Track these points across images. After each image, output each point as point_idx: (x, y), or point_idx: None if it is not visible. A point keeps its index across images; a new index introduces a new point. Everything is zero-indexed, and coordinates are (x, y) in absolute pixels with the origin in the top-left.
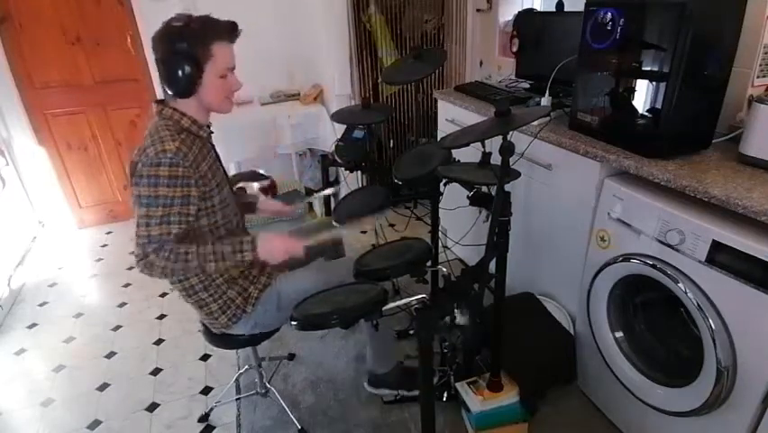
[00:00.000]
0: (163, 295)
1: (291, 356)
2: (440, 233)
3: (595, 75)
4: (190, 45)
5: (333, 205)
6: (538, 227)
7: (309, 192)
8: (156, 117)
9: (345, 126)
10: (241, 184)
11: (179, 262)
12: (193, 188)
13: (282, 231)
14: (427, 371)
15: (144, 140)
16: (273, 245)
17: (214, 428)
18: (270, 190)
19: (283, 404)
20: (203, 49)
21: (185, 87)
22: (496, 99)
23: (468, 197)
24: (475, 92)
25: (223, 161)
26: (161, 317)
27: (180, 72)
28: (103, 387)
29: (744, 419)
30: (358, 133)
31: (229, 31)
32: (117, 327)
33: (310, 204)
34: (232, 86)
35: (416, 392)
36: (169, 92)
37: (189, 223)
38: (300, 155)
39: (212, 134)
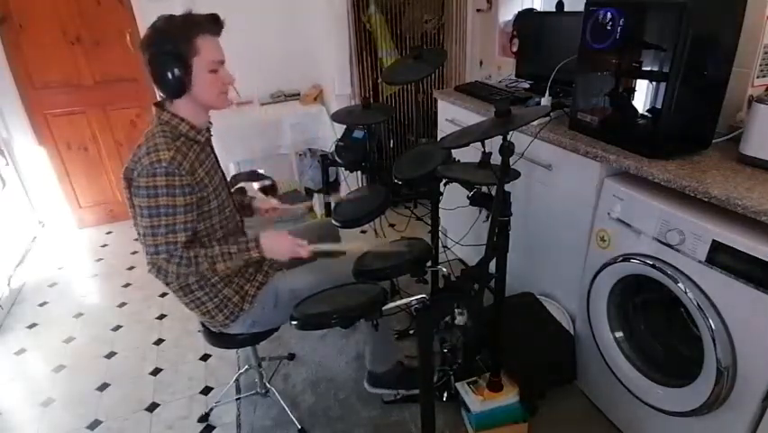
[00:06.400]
0: (163, 295)
1: (291, 356)
2: (440, 233)
3: (595, 75)
4: (174, 43)
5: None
6: (538, 227)
7: (309, 192)
8: (155, 121)
9: (345, 126)
10: (241, 184)
11: (192, 267)
12: (193, 195)
13: (281, 230)
14: (427, 371)
15: (140, 146)
16: (278, 243)
17: (214, 428)
18: (270, 191)
19: (283, 404)
20: (187, 44)
21: (175, 86)
22: (496, 99)
23: (468, 197)
24: (475, 92)
25: (222, 162)
26: (161, 317)
27: (169, 72)
28: (103, 387)
29: (744, 419)
30: (358, 133)
31: (212, 23)
32: (117, 327)
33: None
34: (224, 80)
35: (416, 391)
36: (162, 94)
37: (195, 229)
38: (300, 155)
39: (211, 137)
